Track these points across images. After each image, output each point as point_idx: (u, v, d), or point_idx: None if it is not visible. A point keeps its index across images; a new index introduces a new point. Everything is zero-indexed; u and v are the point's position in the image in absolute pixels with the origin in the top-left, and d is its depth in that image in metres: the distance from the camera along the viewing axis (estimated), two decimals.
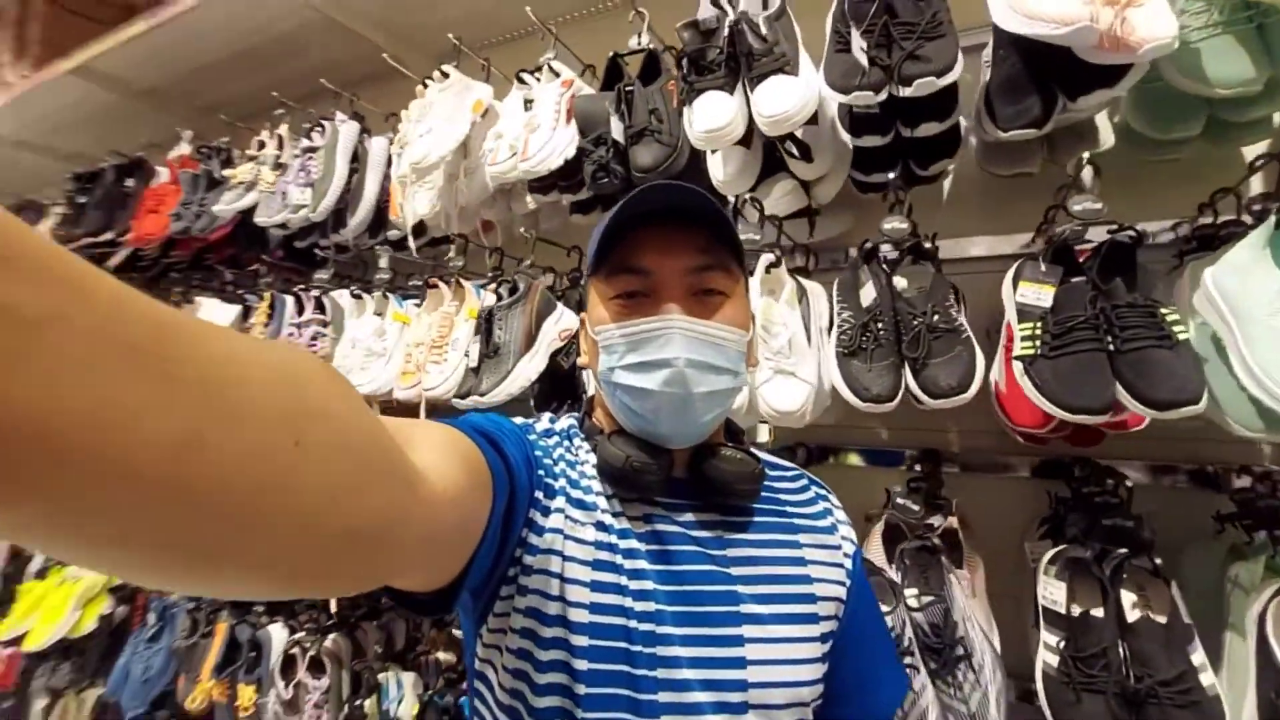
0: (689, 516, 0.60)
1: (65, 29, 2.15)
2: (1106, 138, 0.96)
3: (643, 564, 0.56)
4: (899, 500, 0.94)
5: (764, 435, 1.30)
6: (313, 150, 1.45)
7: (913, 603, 0.85)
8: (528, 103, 1.18)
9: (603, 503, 0.59)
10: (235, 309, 1.62)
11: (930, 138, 0.95)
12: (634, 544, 0.57)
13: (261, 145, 1.58)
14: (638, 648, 0.53)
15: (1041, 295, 0.79)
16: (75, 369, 0.19)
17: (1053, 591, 0.82)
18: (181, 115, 2.05)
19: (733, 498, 0.62)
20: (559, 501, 0.57)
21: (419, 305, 1.32)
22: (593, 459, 0.62)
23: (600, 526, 0.57)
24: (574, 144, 1.13)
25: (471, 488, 0.44)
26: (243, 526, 0.25)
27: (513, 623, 0.54)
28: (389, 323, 1.33)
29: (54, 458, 0.19)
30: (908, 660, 0.81)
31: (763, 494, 0.64)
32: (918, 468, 1.09)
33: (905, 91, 0.85)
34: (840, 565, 0.64)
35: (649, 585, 0.55)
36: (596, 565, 0.55)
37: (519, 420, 0.61)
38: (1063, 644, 0.79)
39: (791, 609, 0.59)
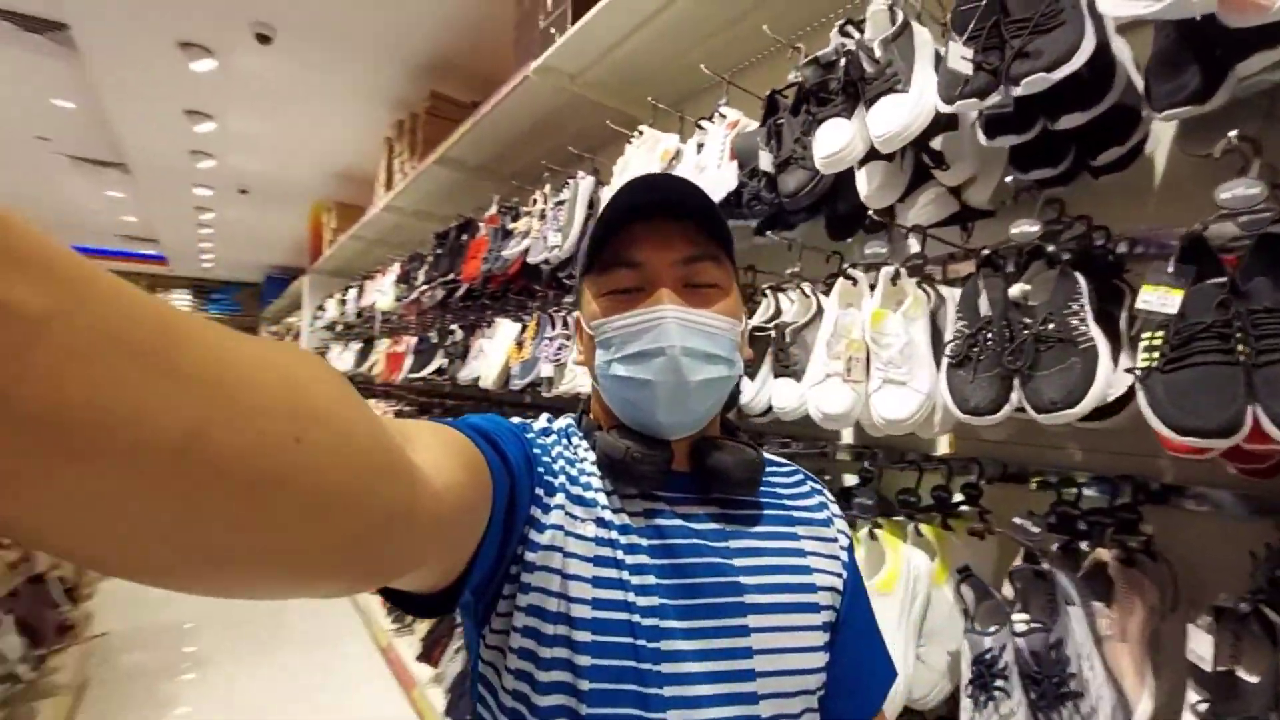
0: (690, 509, 0.61)
1: (436, 130, 3.04)
2: None
3: (644, 559, 0.56)
4: (1017, 520, 0.87)
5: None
6: (561, 203, 1.85)
7: (1020, 627, 0.80)
8: (699, 146, 1.37)
9: (603, 499, 0.59)
10: (518, 325, 2.13)
11: (1095, 125, 0.87)
12: (635, 539, 0.57)
13: (534, 202, 2.05)
14: (642, 642, 0.53)
15: (1167, 300, 0.69)
16: (79, 365, 0.19)
17: (1199, 645, 0.70)
18: (495, 183, 2.72)
19: (734, 489, 0.62)
20: (559, 499, 0.57)
21: None
22: (591, 456, 0.62)
23: (601, 523, 0.57)
24: (735, 178, 1.28)
25: (472, 486, 0.45)
26: (246, 524, 0.25)
27: (515, 621, 0.54)
28: None
29: (59, 453, 0.20)
30: (999, 683, 0.78)
31: (761, 487, 0.65)
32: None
33: (1016, 91, 0.81)
34: (837, 557, 0.65)
35: (651, 580, 0.56)
36: (598, 561, 0.55)
37: (516, 420, 0.62)
38: (1204, 705, 0.68)
39: (794, 598, 0.60)
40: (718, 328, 0.59)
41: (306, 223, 5.79)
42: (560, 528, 0.55)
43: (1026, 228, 0.88)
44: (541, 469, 0.57)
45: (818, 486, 0.72)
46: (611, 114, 1.94)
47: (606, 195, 1.77)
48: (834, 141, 1.00)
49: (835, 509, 0.70)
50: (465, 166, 2.78)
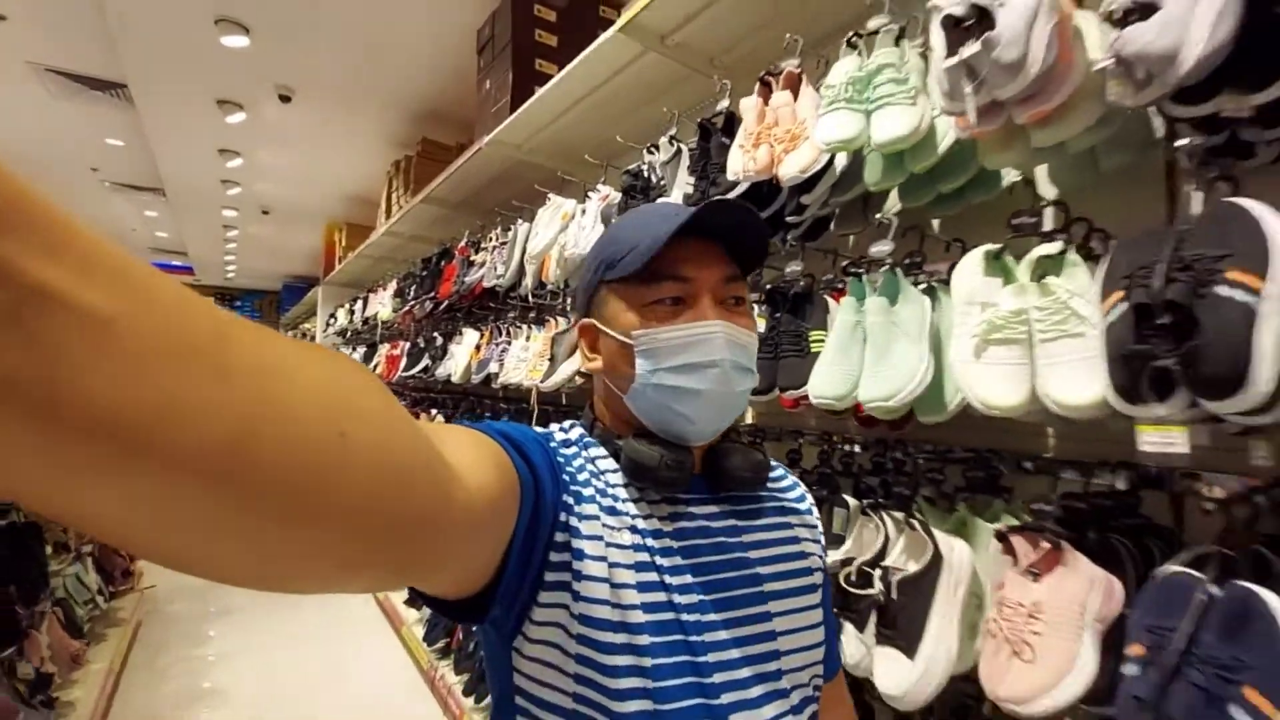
0: (706, 509, 0.65)
1: (426, 170, 3.67)
2: None
3: (678, 560, 0.59)
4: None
5: None
6: (504, 243, 2.47)
7: None
8: (583, 211, 1.99)
9: (631, 507, 0.61)
10: (477, 333, 2.76)
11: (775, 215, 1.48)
12: (667, 542, 0.60)
13: (490, 240, 2.68)
14: (694, 637, 0.57)
15: (761, 325, 1.29)
16: (143, 366, 0.21)
17: None
18: (471, 216, 3.35)
19: (744, 488, 0.66)
20: (592, 509, 0.58)
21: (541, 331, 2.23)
22: (610, 464, 0.64)
23: (634, 530, 0.59)
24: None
25: (502, 488, 0.46)
26: (293, 517, 0.27)
27: (571, 630, 0.54)
28: (530, 341, 2.26)
29: (124, 450, 0.21)
30: None
31: None
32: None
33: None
34: (818, 540, 0.73)
35: (688, 579, 0.59)
36: (639, 567, 0.58)
37: (539, 429, 0.64)
38: None
39: (800, 582, 0.66)
40: (751, 341, 0.65)
41: (321, 239, 6.47)
42: (600, 538, 0.57)
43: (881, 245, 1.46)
44: (568, 478, 0.59)
45: (796, 478, 0.78)
46: (549, 173, 2.56)
47: (531, 233, 2.37)
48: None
49: (808, 494, 0.77)
50: (447, 203, 3.42)
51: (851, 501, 1.20)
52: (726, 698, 0.57)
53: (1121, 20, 0.84)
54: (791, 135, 1.23)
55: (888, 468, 1.32)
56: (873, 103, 1.08)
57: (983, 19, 0.88)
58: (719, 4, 1.60)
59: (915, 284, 1.12)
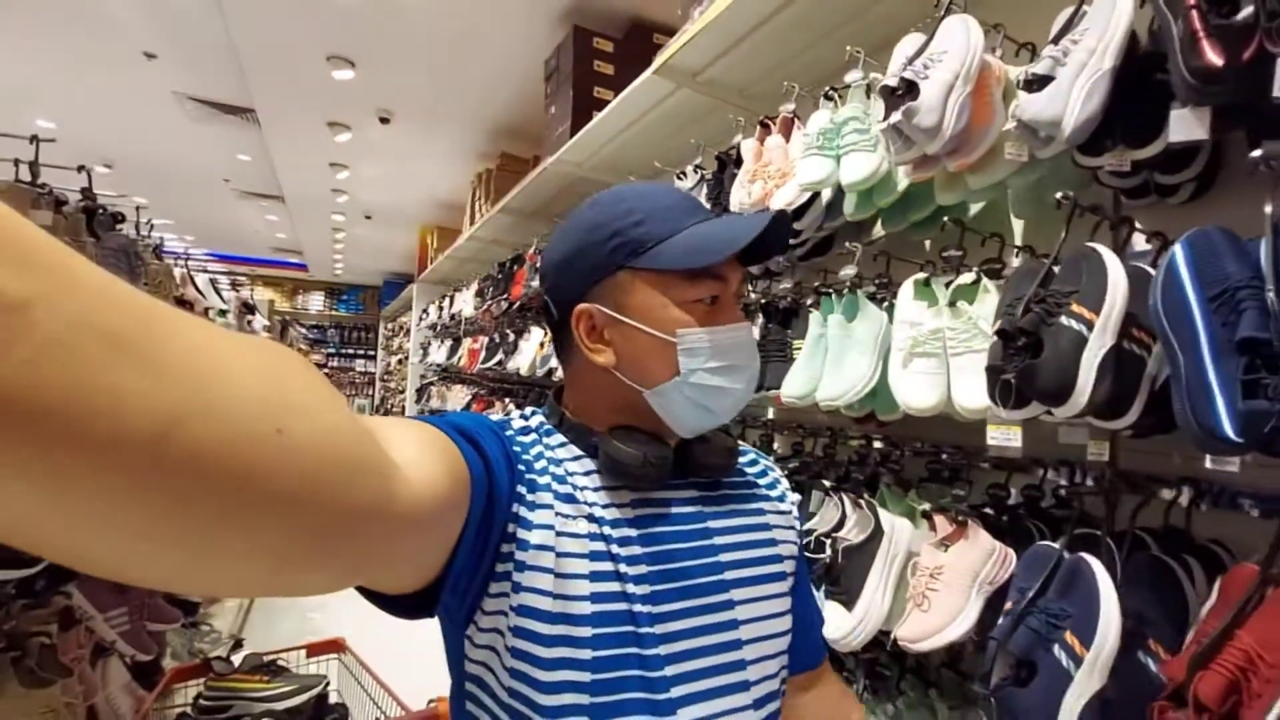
0: (672, 494, 0.64)
1: (505, 181, 4.06)
2: None
3: (636, 549, 0.59)
4: None
5: None
6: None
7: None
8: None
9: (590, 495, 0.60)
10: (542, 332, 3.09)
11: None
12: (626, 531, 0.59)
13: None
14: (644, 629, 0.56)
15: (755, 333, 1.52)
16: (59, 352, 0.19)
17: None
18: (542, 223, 3.70)
19: (714, 473, 0.66)
20: (546, 497, 0.57)
21: None
22: (570, 452, 0.63)
23: (591, 519, 0.59)
24: None
25: (449, 483, 0.45)
26: (225, 515, 0.25)
27: (508, 622, 0.54)
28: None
29: (38, 439, 0.20)
30: None
31: None
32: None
33: None
34: (792, 527, 0.72)
35: (644, 569, 0.58)
36: (594, 557, 0.57)
37: (496, 417, 0.62)
38: None
39: (766, 569, 0.65)
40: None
41: (415, 241, 7.10)
42: (551, 527, 0.56)
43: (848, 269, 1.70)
44: (523, 467, 0.58)
45: (768, 463, 0.77)
46: (608, 185, 2.84)
47: None
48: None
49: (783, 479, 0.76)
50: (521, 213, 3.78)
51: (825, 484, 1.41)
52: (676, 690, 0.56)
53: (1031, 86, 1.02)
54: (782, 173, 1.45)
55: (863, 459, 1.52)
56: (841, 149, 1.29)
57: (911, 89, 1.08)
58: (740, 48, 1.82)
59: (880, 302, 1.31)
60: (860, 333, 1.24)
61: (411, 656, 3.13)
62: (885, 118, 1.10)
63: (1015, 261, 1.18)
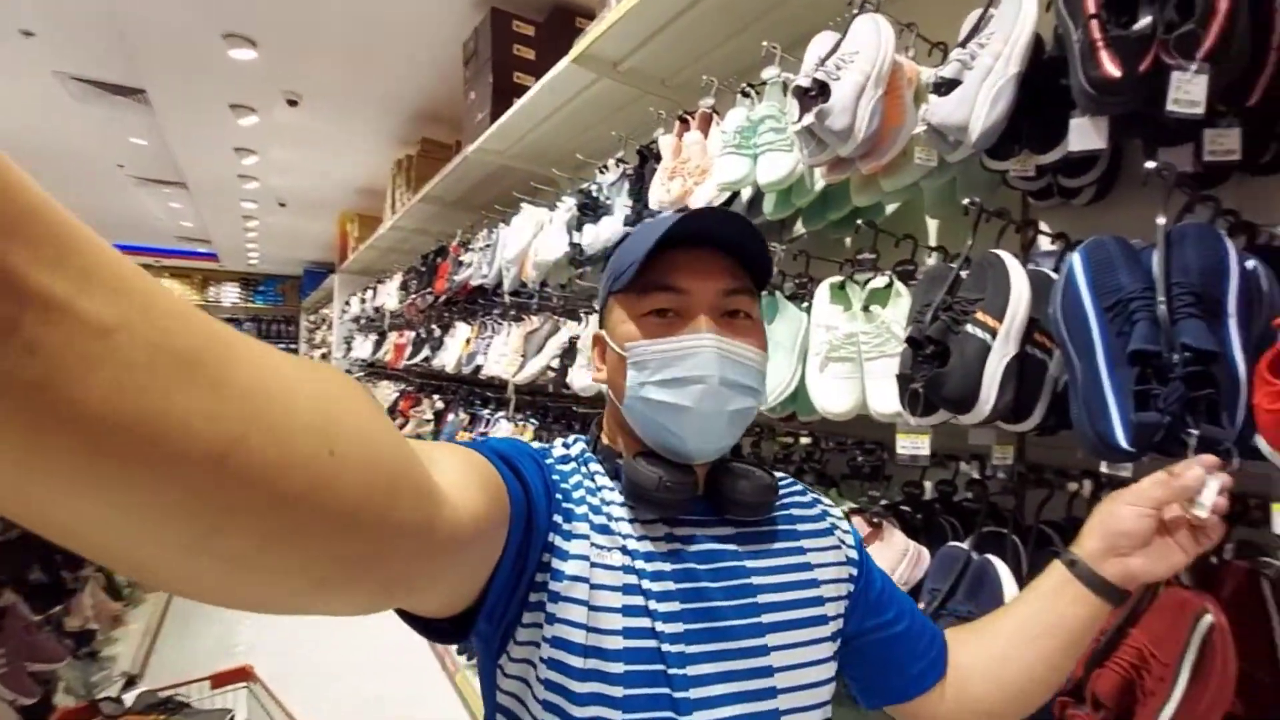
0: (709, 532, 0.62)
1: (426, 167, 3.89)
2: None
3: (669, 585, 0.57)
4: None
5: None
6: (488, 245, 2.68)
7: None
8: (551, 220, 2.19)
9: (625, 527, 0.59)
10: (468, 327, 2.99)
11: None
12: (660, 566, 0.58)
13: (478, 240, 2.90)
14: (673, 670, 0.54)
15: None
16: (139, 374, 0.21)
17: None
18: (465, 214, 3.57)
19: (750, 511, 0.63)
20: (583, 528, 0.57)
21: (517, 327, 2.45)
22: (608, 483, 0.62)
23: (625, 551, 0.58)
24: (565, 245, 2.09)
25: (490, 508, 0.46)
26: (277, 533, 0.26)
27: (541, 653, 0.54)
28: (509, 338, 2.48)
29: (118, 454, 0.21)
30: None
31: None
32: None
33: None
34: (841, 564, 0.68)
35: (676, 606, 0.56)
36: (626, 590, 0.56)
37: (537, 445, 0.62)
38: None
39: (806, 613, 0.62)
40: (752, 359, 0.61)
41: (336, 228, 6.75)
42: (586, 558, 0.55)
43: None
44: (561, 496, 0.57)
45: (816, 495, 0.74)
46: (532, 176, 2.75)
47: (508, 238, 2.58)
48: (588, 239, 1.82)
49: (834, 510, 0.73)
50: (443, 202, 3.63)
51: None
52: None
53: (940, 89, 1.02)
54: (701, 170, 1.41)
55: (788, 456, 1.53)
56: (758, 148, 1.26)
57: (823, 90, 1.06)
58: (661, 36, 1.77)
59: (800, 302, 1.30)
60: (780, 334, 1.23)
61: (330, 677, 3.05)
62: (799, 119, 1.08)
63: (930, 261, 1.20)
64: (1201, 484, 0.60)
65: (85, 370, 0.20)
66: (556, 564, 0.55)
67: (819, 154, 1.08)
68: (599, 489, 0.62)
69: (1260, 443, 0.65)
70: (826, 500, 0.74)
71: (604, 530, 0.58)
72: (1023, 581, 0.94)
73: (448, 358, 3.06)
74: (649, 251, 0.58)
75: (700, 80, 1.63)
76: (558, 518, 0.56)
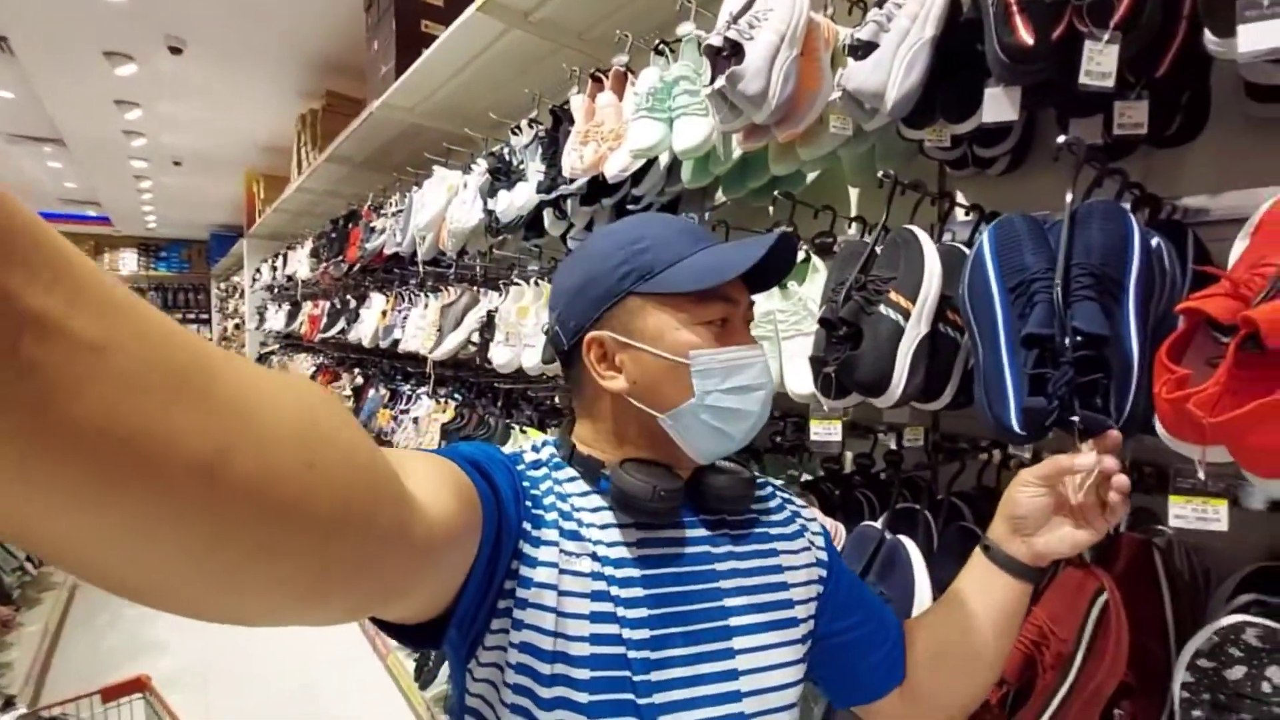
0: (682, 534, 0.62)
1: (333, 123, 3.60)
2: None
3: (637, 591, 0.57)
4: None
5: None
6: (400, 210, 2.51)
7: None
8: (465, 185, 2.05)
9: (595, 533, 0.59)
10: (384, 298, 2.82)
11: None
12: (629, 572, 0.58)
13: (391, 205, 2.71)
14: (638, 677, 0.55)
15: None
16: (130, 392, 0.21)
17: None
18: (378, 175, 3.33)
19: (729, 508, 0.64)
20: (551, 534, 0.57)
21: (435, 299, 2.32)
22: (578, 487, 0.62)
23: (595, 557, 0.58)
24: (480, 214, 1.96)
25: (462, 516, 0.46)
26: (262, 545, 0.27)
27: (509, 658, 0.54)
28: (427, 310, 2.35)
29: (109, 471, 0.21)
30: None
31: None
32: None
33: (565, 189, 1.51)
34: (810, 565, 0.68)
35: (644, 612, 0.57)
36: (595, 597, 0.56)
37: (508, 450, 0.62)
38: None
39: (775, 615, 0.63)
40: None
41: (242, 188, 6.25)
42: (554, 565, 0.55)
43: None
44: (530, 503, 0.57)
45: (785, 496, 0.74)
46: (446, 134, 2.57)
47: (420, 203, 2.40)
48: (501, 206, 1.71)
49: (804, 512, 0.73)
50: (354, 162, 3.38)
51: None
52: None
53: (856, 53, 0.96)
54: (616, 134, 1.33)
55: None
56: (673, 112, 1.19)
57: (736, 50, 0.99)
58: None
59: None
60: None
61: (250, 674, 2.92)
62: (711, 81, 1.01)
63: (850, 231, 1.16)
64: (1087, 466, 0.61)
65: (80, 388, 0.20)
66: (525, 571, 0.55)
67: (733, 120, 1.02)
68: (568, 495, 0.62)
69: (1159, 429, 0.65)
70: (798, 501, 0.74)
71: (573, 536, 0.58)
72: (933, 557, 0.95)
73: (363, 330, 2.89)
74: (744, 268, 0.58)
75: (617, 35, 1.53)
76: (527, 525, 0.56)
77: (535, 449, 0.66)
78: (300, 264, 4.10)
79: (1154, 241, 0.73)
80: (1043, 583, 0.81)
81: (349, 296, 3.33)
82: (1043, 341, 0.72)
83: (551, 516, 0.58)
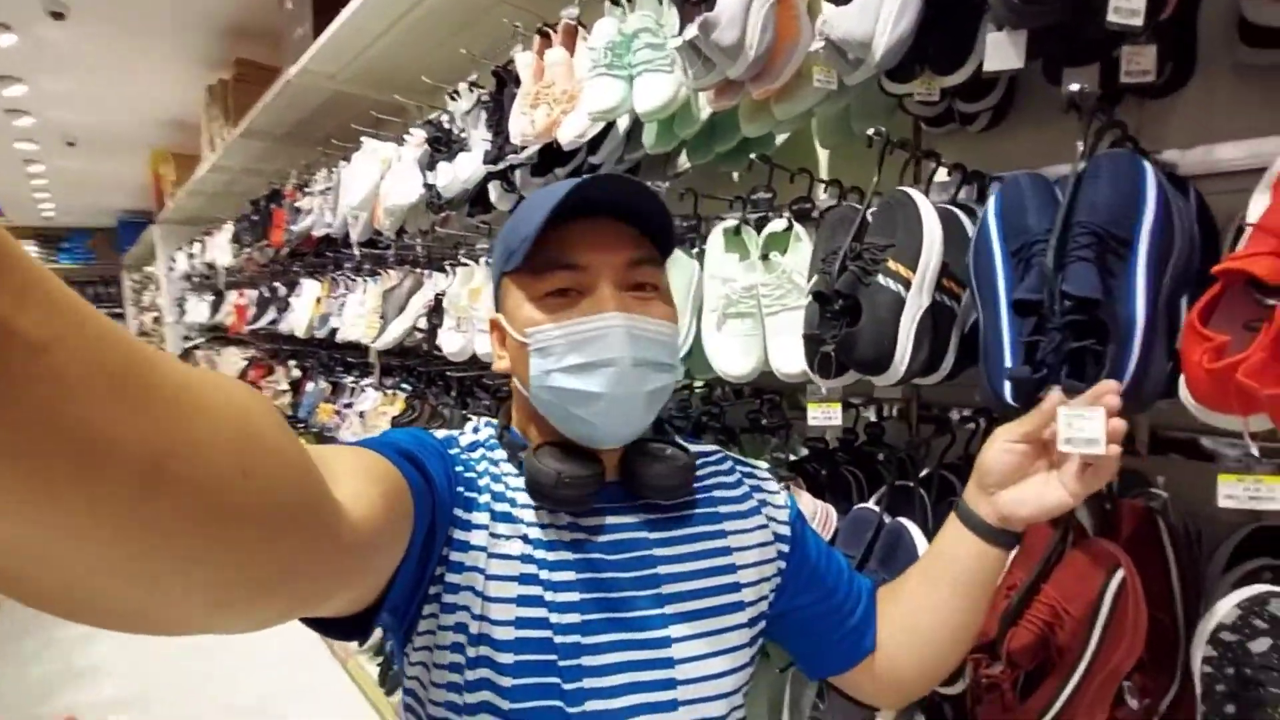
0: (619, 519, 0.59)
1: (246, 95, 3.30)
2: None
3: (569, 575, 0.55)
4: None
5: None
6: (329, 188, 2.31)
7: None
8: (400, 158, 1.89)
9: (529, 515, 0.57)
10: (318, 285, 2.62)
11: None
12: (562, 555, 0.56)
13: (316, 182, 2.49)
14: (565, 661, 0.53)
15: None
16: (72, 393, 0.20)
17: None
18: (302, 149, 3.08)
19: (665, 494, 0.60)
20: (482, 517, 0.55)
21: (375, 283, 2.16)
22: (512, 469, 0.60)
23: (526, 540, 0.56)
24: (419, 188, 1.81)
25: (390, 514, 0.44)
26: (193, 552, 0.26)
27: (439, 640, 0.53)
28: (366, 296, 2.19)
29: (48, 475, 0.20)
30: None
31: (694, 485, 0.62)
32: None
33: (514, 160, 1.39)
34: (766, 544, 0.64)
35: (575, 597, 0.55)
36: (522, 580, 0.54)
37: (443, 434, 0.60)
38: None
39: (717, 601, 0.60)
40: (664, 334, 0.58)
41: (148, 169, 5.75)
42: (484, 549, 0.54)
43: None
44: (463, 487, 0.56)
45: (747, 469, 0.70)
46: (374, 104, 2.37)
47: (351, 179, 2.22)
48: (443, 180, 1.56)
49: (765, 484, 0.69)
50: (273, 136, 3.11)
51: None
52: None
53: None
54: (569, 95, 1.21)
55: (684, 409, 1.43)
56: (634, 69, 1.08)
57: None
58: None
59: (690, 247, 1.17)
60: (672, 285, 1.09)
61: (195, 691, 2.73)
62: (680, 31, 0.91)
63: (823, 195, 1.09)
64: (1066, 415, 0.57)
65: (23, 390, 0.19)
66: (455, 556, 0.54)
67: (705, 75, 0.92)
68: (502, 476, 0.60)
69: (1187, 399, 0.61)
70: (762, 472, 0.71)
71: (505, 519, 0.57)
72: (930, 535, 0.91)
73: (297, 320, 2.69)
74: (540, 226, 0.53)
75: None
76: (458, 510, 0.55)
77: (475, 430, 0.64)
78: (221, 250, 3.80)
79: (1172, 196, 0.69)
80: (1054, 561, 0.78)
81: (278, 284, 3.09)
82: (1034, 307, 0.68)
83: (484, 499, 0.57)
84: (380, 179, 1.96)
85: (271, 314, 3.13)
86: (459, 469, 0.57)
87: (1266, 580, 0.69)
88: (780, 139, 1.23)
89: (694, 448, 0.67)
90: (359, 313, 2.19)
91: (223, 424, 0.27)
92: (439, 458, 0.55)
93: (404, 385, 2.24)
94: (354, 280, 2.34)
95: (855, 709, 1.04)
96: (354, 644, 2.59)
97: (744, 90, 0.97)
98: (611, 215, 0.57)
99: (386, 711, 2.20)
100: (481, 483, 0.58)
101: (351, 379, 2.61)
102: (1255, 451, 0.55)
